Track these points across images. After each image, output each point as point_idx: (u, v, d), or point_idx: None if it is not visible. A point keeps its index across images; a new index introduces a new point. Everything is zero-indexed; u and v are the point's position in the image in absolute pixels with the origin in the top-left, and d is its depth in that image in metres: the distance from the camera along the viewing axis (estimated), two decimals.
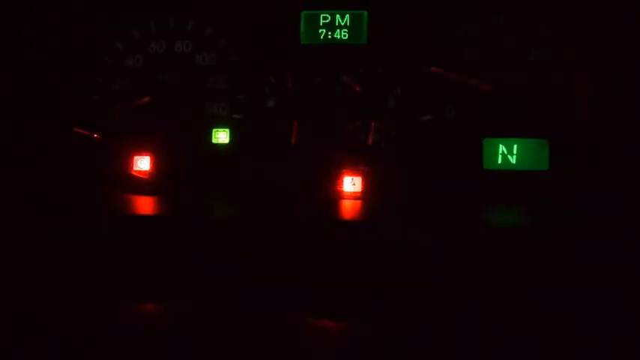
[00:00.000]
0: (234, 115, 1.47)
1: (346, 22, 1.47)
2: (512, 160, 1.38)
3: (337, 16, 1.47)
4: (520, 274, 1.00)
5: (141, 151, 1.47)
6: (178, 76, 1.49)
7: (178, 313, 0.97)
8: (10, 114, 1.41)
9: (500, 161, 1.38)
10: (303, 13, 1.48)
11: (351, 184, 1.40)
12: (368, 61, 1.45)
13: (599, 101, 1.34)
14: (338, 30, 1.47)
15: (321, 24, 1.47)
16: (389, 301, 0.99)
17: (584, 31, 1.37)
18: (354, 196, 1.40)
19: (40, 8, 1.44)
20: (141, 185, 1.46)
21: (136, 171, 1.47)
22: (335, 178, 1.41)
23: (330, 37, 1.47)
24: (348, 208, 1.32)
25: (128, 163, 1.47)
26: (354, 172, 1.41)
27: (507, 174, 1.38)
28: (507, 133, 1.39)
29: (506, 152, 1.38)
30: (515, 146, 1.38)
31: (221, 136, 1.47)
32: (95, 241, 1.08)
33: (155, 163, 1.47)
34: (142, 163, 1.47)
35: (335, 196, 1.40)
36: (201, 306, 0.98)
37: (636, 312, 0.92)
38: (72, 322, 0.91)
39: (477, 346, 0.88)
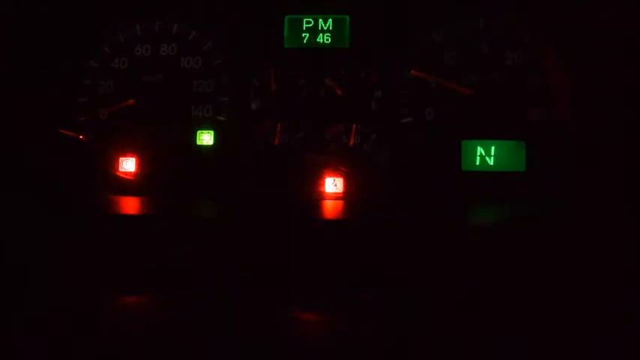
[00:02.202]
0: (219, 117, 1.50)
1: (329, 26, 1.50)
2: (490, 161, 1.41)
3: (320, 20, 1.50)
4: (516, 274, 1.00)
5: (126, 153, 1.49)
6: (163, 79, 1.52)
7: (166, 312, 0.98)
8: None
9: (478, 163, 1.41)
10: (286, 18, 1.50)
11: (332, 184, 1.43)
12: (350, 65, 1.48)
13: (578, 103, 1.37)
14: (321, 34, 1.50)
15: (304, 28, 1.50)
16: (373, 298, 1.00)
17: (563, 33, 1.40)
18: (335, 197, 1.43)
19: (26, 12, 1.45)
20: (126, 186, 1.48)
21: (121, 172, 1.48)
22: (317, 179, 1.44)
23: (313, 41, 1.50)
24: (330, 209, 1.34)
25: (114, 164, 1.49)
26: (336, 173, 1.44)
27: (485, 175, 1.41)
28: (486, 135, 1.42)
29: (484, 154, 1.41)
30: (492, 148, 1.41)
31: (205, 138, 1.49)
32: (81, 241, 1.09)
33: (140, 165, 1.49)
34: (128, 165, 1.49)
35: (317, 197, 1.43)
36: (189, 305, 0.99)
37: (636, 312, 0.92)
38: (71, 321, 0.92)
39: (476, 346, 0.89)
